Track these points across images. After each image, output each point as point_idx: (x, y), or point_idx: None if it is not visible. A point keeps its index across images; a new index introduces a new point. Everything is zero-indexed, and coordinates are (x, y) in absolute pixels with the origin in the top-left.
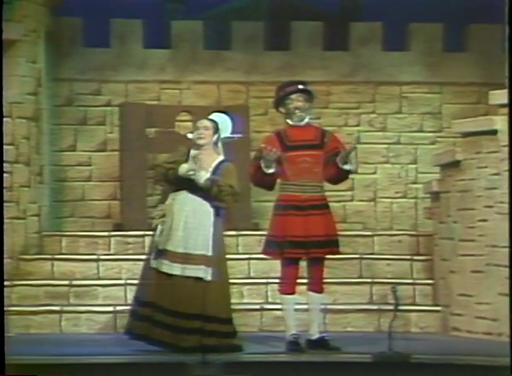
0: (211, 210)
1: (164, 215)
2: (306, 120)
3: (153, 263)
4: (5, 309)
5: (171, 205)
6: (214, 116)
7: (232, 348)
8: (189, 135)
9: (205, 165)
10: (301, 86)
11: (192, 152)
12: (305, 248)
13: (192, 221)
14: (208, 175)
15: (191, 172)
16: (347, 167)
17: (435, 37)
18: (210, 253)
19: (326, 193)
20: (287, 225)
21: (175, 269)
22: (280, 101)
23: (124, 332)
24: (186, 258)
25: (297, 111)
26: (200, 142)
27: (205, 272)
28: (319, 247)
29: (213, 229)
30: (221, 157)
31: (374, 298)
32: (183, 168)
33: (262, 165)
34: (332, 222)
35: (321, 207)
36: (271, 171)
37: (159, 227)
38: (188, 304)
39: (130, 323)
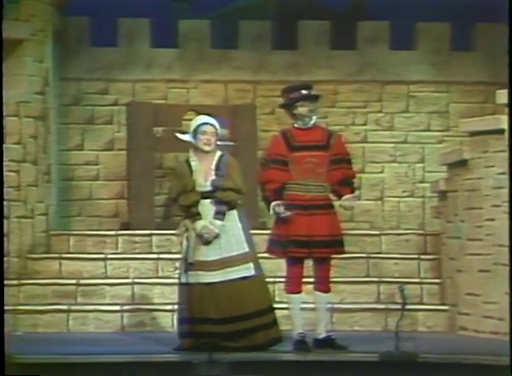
0: (233, 209)
1: (187, 230)
2: (312, 121)
3: (185, 278)
4: (12, 307)
5: (193, 218)
6: (209, 119)
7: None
8: (184, 137)
9: (207, 172)
10: (304, 91)
11: (192, 162)
12: (309, 248)
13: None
14: (210, 179)
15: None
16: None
17: (442, 36)
18: (246, 249)
19: None
20: (291, 225)
21: (214, 276)
22: (285, 106)
23: (174, 349)
24: (224, 263)
25: (301, 117)
26: (208, 148)
27: (248, 270)
28: (322, 246)
29: (241, 225)
30: (219, 152)
31: (381, 297)
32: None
33: (271, 211)
34: (336, 222)
35: (325, 207)
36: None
37: (184, 243)
38: (244, 304)
39: (180, 342)
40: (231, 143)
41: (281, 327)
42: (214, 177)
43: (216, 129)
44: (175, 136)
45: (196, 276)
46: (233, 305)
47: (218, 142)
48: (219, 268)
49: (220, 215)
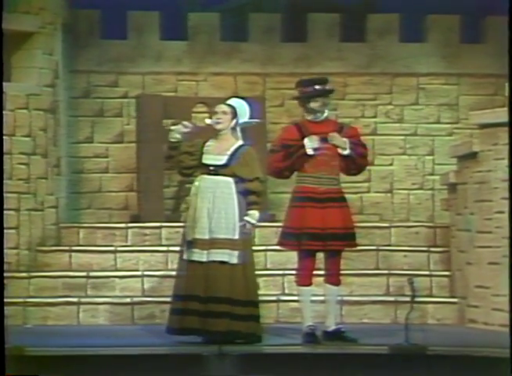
0: (234, 192)
1: (187, 209)
2: (325, 115)
3: (185, 254)
4: (22, 300)
5: (194, 195)
6: (232, 101)
7: (253, 335)
8: (208, 121)
9: (222, 150)
10: (318, 86)
11: (209, 142)
12: (322, 240)
13: (213, 206)
14: (225, 158)
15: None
16: (345, 152)
17: (452, 28)
18: (236, 236)
19: (343, 184)
20: (305, 217)
21: (202, 255)
22: (298, 99)
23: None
24: (212, 244)
25: (313, 111)
26: (218, 127)
27: (230, 256)
28: (336, 239)
29: (238, 211)
30: (240, 142)
31: (391, 289)
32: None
33: (306, 145)
34: (349, 215)
35: (338, 200)
36: (311, 152)
37: (186, 219)
38: (216, 288)
39: (169, 319)
40: (255, 121)
41: (291, 320)
42: (228, 156)
43: (232, 108)
44: (206, 123)
45: (190, 253)
46: (208, 286)
47: (241, 121)
48: (207, 247)
49: (252, 205)
